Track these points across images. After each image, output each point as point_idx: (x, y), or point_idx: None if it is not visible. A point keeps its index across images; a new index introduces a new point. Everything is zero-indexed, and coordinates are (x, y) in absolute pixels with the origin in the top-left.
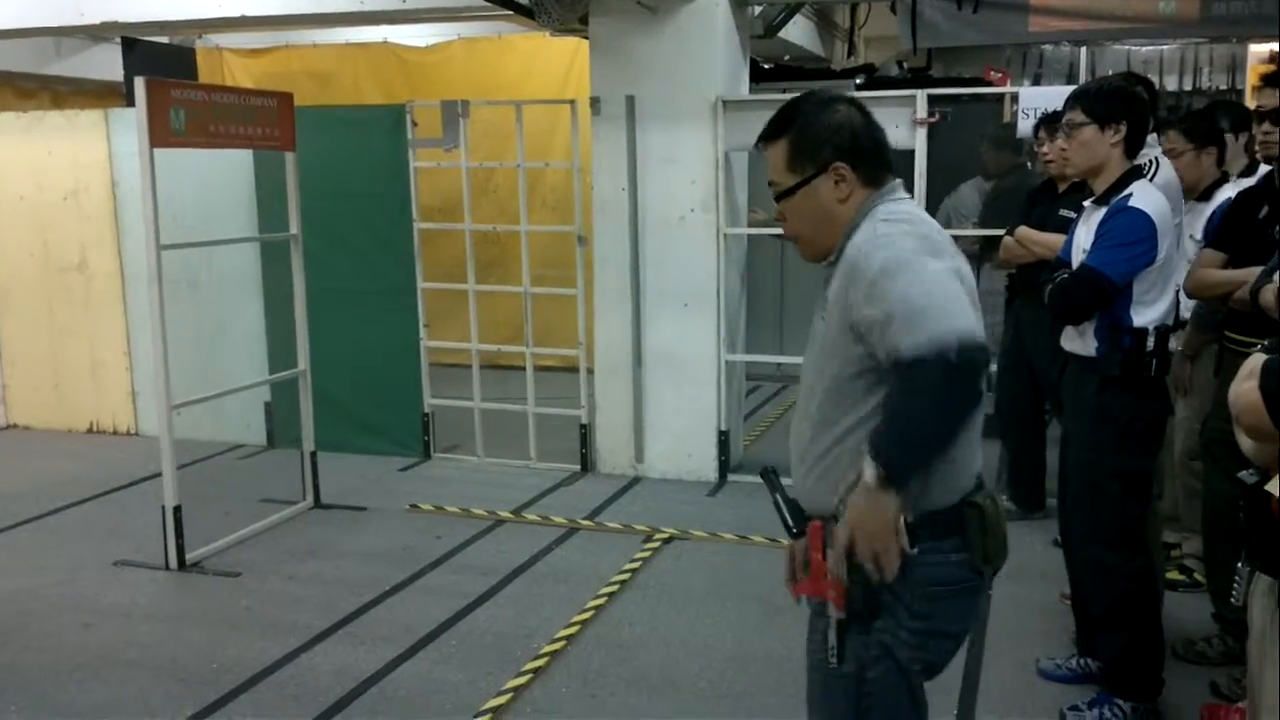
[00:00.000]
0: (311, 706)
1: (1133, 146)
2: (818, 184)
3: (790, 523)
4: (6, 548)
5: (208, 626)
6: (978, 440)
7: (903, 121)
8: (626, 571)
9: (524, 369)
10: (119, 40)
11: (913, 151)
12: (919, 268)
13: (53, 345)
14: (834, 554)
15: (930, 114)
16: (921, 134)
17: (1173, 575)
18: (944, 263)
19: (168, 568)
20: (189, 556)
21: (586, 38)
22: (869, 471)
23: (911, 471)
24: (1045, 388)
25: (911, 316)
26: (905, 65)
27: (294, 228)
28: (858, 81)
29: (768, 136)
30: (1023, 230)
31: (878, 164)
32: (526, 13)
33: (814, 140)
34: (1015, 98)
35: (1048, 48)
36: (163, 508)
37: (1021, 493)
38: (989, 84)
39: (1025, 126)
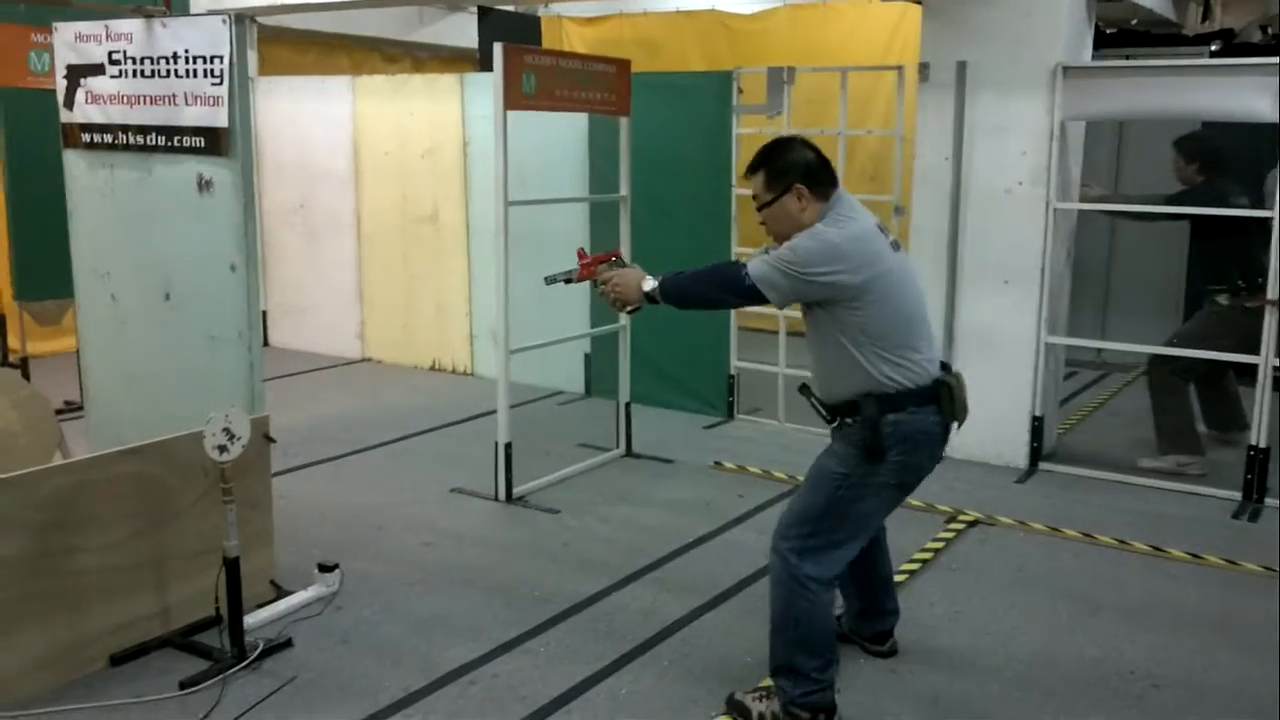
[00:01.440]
0: (622, 643)
1: None
2: (785, 199)
3: (824, 414)
4: (364, 467)
5: (531, 557)
6: (932, 348)
7: (1267, 92)
8: (928, 551)
9: None
10: (473, 10)
11: (1273, 126)
12: (800, 264)
13: (405, 289)
14: (603, 275)
15: None
16: None
17: None
18: (817, 271)
19: (497, 499)
20: (515, 490)
21: (915, 2)
22: (650, 283)
23: (666, 302)
24: None
25: (773, 270)
26: (1270, 30)
27: (624, 189)
28: (1212, 49)
29: (753, 169)
30: None
31: (826, 184)
32: None
33: (782, 170)
34: None
35: None
36: (496, 444)
37: None
38: None
39: None
